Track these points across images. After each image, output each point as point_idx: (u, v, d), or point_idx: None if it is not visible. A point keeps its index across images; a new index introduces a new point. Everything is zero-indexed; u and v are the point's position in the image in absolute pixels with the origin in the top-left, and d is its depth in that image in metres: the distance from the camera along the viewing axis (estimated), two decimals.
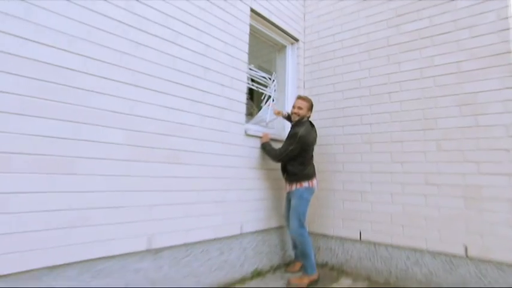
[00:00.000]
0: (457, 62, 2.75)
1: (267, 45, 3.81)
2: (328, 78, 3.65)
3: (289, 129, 3.15)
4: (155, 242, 2.19)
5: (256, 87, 3.51)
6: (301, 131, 2.86)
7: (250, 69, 3.44)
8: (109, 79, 1.99)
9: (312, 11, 3.94)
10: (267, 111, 3.68)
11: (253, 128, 3.21)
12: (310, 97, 3.16)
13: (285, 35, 3.71)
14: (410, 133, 2.95)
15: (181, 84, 2.43)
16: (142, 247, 2.13)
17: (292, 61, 3.88)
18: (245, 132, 2.97)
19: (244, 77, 3.03)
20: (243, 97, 3.00)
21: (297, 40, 3.88)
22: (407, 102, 3.01)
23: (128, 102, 2.08)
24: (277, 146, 3.08)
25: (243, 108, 2.98)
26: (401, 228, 2.89)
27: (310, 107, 3.09)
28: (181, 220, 2.38)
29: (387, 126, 3.11)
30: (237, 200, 2.85)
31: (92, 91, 1.91)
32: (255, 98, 4.12)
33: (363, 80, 3.35)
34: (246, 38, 3.08)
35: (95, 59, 1.94)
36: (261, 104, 3.73)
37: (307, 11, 4.00)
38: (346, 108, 3.45)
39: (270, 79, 3.76)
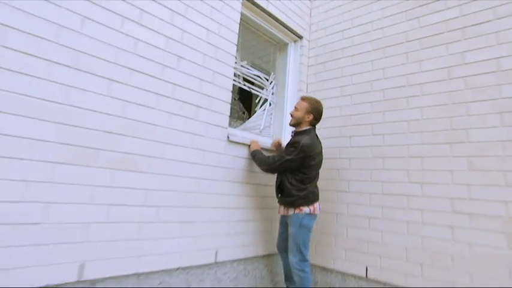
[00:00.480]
0: (496, 58, 2.17)
1: (264, 41, 3.33)
2: (334, 80, 3.12)
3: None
4: (89, 271, 1.68)
5: (249, 87, 3.02)
6: (305, 139, 2.31)
7: (242, 66, 2.97)
8: (36, 57, 1.55)
9: (319, 5, 3.46)
10: (262, 116, 3.17)
11: (239, 134, 2.69)
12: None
13: (287, 30, 3.24)
14: (434, 147, 2.35)
15: (144, 73, 1.97)
16: (71, 278, 1.62)
17: (294, 61, 3.38)
18: (227, 137, 2.46)
19: (231, 73, 2.55)
20: (228, 96, 2.51)
21: (300, 37, 3.39)
22: (430, 109, 2.43)
23: (62, 88, 1.63)
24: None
25: (226, 109, 2.49)
26: (420, 267, 2.26)
27: (312, 110, 2.50)
28: (132, 243, 1.87)
29: (404, 138, 2.53)
30: (211, 221, 2.31)
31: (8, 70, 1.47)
32: (247, 101, 3.60)
33: (376, 82, 2.80)
34: (235, 27, 2.61)
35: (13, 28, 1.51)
36: (256, 109, 3.23)
37: (313, 5, 3.52)
38: (354, 116, 2.89)
39: (267, 80, 3.26)
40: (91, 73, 1.74)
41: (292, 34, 3.32)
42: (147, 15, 2.00)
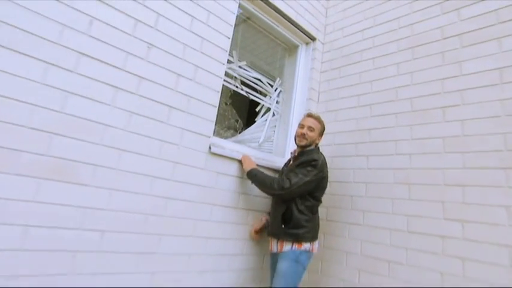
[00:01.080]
0: None
1: (270, 42, 2.89)
2: (351, 88, 2.59)
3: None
4: None
5: (248, 92, 2.56)
6: (322, 158, 2.03)
7: (240, 67, 2.53)
8: None
9: (336, 3, 3.00)
10: (262, 127, 2.69)
11: (228, 146, 2.21)
12: (323, 115, 2.18)
13: (297, 30, 2.79)
14: (481, 173, 1.74)
15: (98, 59, 1.57)
16: None
17: (304, 65, 2.90)
18: (209, 148, 1.99)
19: (221, 71, 2.11)
20: (214, 98, 2.05)
21: (313, 39, 2.93)
22: (474, 122, 1.84)
23: None
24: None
25: (211, 114, 2.03)
26: None
27: (322, 132, 2.16)
28: (61, 279, 1.40)
29: (438, 160, 1.93)
30: (180, 253, 1.80)
31: None
32: (243, 108, 3.11)
33: (402, 90, 2.25)
34: (230, 18, 2.20)
35: None
36: (256, 119, 2.75)
37: (330, 4, 3.07)
38: (374, 130, 2.33)
39: (271, 86, 2.80)
40: (22, 53, 1.35)
41: (303, 35, 2.86)
42: None
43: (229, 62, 2.41)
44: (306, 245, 1.89)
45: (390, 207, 2.09)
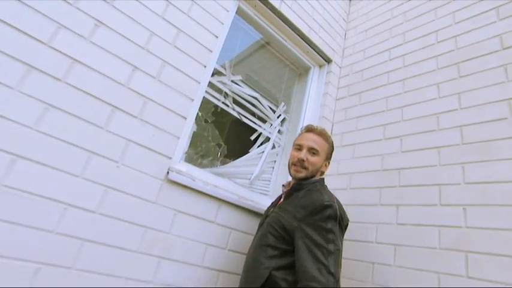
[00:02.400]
0: None
1: (275, 60, 2.43)
2: (375, 116, 2.00)
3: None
4: None
5: (239, 113, 2.02)
6: (335, 199, 1.31)
7: (233, 81, 2.03)
8: None
9: (357, 25, 2.57)
10: (257, 160, 2.09)
11: (201, 176, 1.58)
12: (337, 151, 1.56)
13: (310, 48, 2.33)
14: None
15: (7, 23, 1.10)
16: None
17: (317, 90, 2.38)
18: (167, 174, 1.40)
19: (199, 74, 1.59)
20: (186, 107, 1.51)
21: (328, 61, 2.44)
22: None
23: None
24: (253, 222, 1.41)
25: (177, 128, 1.47)
26: None
27: (331, 154, 1.50)
28: None
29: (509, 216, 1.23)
30: None
31: None
32: (232, 132, 2.51)
33: (447, 116, 1.63)
34: (222, 15, 1.75)
35: None
36: (249, 150, 2.17)
37: (350, 26, 2.64)
38: (406, 171, 1.67)
39: (273, 111, 2.26)
40: None
41: (317, 55, 2.39)
42: None
43: (218, 74, 1.93)
44: None
45: (436, 281, 1.34)
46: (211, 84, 1.88)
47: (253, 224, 1.68)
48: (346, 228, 1.32)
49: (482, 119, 1.49)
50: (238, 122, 2.04)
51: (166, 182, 1.39)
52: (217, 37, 1.70)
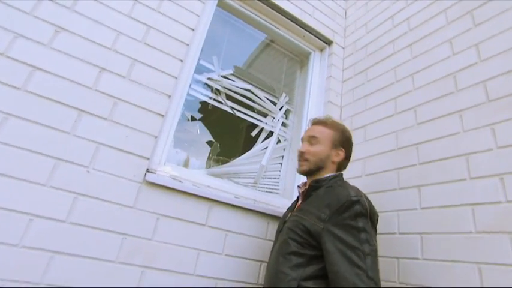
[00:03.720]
0: None
1: (271, 51, 2.28)
2: (383, 91, 1.75)
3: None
4: None
5: (232, 108, 1.88)
6: (361, 194, 1.10)
7: (224, 77, 1.91)
8: None
9: (356, 0, 2.35)
10: (261, 157, 1.93)
11: (191, 177, 1.46)
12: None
13: (306, 33, 2.16)
14: None
15: None
16: None
17: (319, 75, 2.18)
18: (144, 176, 1.29)
19: (175, 69, 1.49)
20: (162, 105, 1.42)
21: (329, 43, 2.24)
22: None
23: None
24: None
25: (153, 126, 1.37)
26: None
27: (344, 141, 1.29)
28: None
29: None
30: None
31: None
32: (231, 130, 2.34)
33: (465, 73, 1.36)
34: (196, 6, 1.66)
35: None
36: (253, 145, 2.01)
37: (349, 4, 2.42)
38: (425, 145, 1.41)
39: (273, 103, 2.10)
40: None
41: (316, 39, 2.21)
42: None
43: (208, 71, 1.84)
44: None
45: (477, 281, 1.05)
46: (202, 83, 1.79)
47: (256, 226, 1.52)
48: (376, 224, 1.13)
49: (509, 67, 1.20)
50: (237, 120, 1.91)
51: (144, 184, 1.29)
52: (193, 30, 1.61)
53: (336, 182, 1.20)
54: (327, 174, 1.24)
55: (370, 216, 1.05)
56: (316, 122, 1.34)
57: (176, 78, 1.49)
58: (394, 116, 1.62)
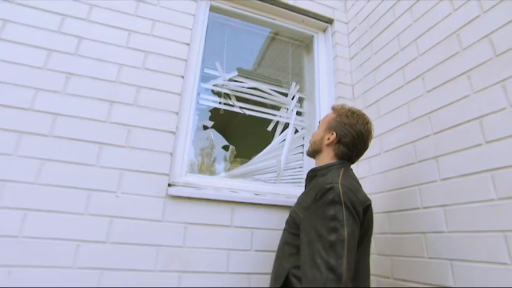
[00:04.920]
0: None
1: (273, 42, 2.27)
2: (390, 62, 1.67)
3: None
4: None
5: (241, 108, 1.93)
6: (339, 180, 1.03)
7: (230, 80, 1.97)
8: None
9: None
10: (280, 150, 1.97)
11: (210, 183, 1.57)
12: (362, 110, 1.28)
13: (303, 16, 2.12)
14: None
15: None
16: None
17: (326, 57, 2.13)
18: (167, 191, 1.42)
19: (177, 86, 1.59)
20: (170, 123, 1.52)
21: (330, 22, 2.18)
22: None
23: None
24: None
25: (166, 144, 1.48)
26: None
27: (335, 125, 1.25)
28: None
29: None
30: None
31: None
32: (243, 130, 2.36)
33: (468, 29, 1.26)
34: (187, 20, 1.72)
35: None
36: (271, 141, 2.05)
37: None
38: (437, 113, 1.34)
39: (285, 95, 2.11)
40: None
41: (315, 20, 2.16)
42: None
43: (211, 77, 1.91)
44: None
45: (504, 250, 1.01)
46: (210, 91, 1.88)
47: (279, 219, 1.57)
48: (365, 212, 1.05)
49: None
50: (251, 120, 1.97)
51: (168, 198, 1.42)
52: (188, 44, 1.68)
53: (330, 170, 1.16)
54: (325, 160, 1.24)
55: (351, 205, 0.98)
56: (331, 108, 1.36)
57: (180, 94, 1.58)
58: (404, 87, 1.55)
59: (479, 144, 1.15)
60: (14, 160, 1.25)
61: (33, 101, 1.34)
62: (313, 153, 1.31)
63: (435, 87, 1.36)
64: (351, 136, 1.20)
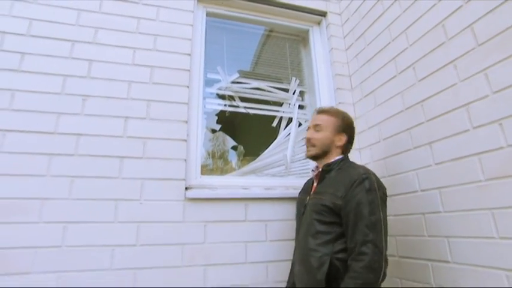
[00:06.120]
0: None
1: (268, 40, 2.35)
2: (383, 52, 1.74)
3: None
4: None
5: (245, 107, 2.04)
6: (370, 171, 1.25)
7: (233, 82, 2.07)
8: None
9: None
10: (286, 144, 2.08)
11: (222, 182, 1.71)
12: (361, 103, 1.50)
13: (296, 12, 2.18)
14: None
15: (23, 131, 1.43)
16: None
17: (322, 50, 2.20)
18: (185, 194, 1.56)
19: (184, 96, 1.70)
20: (181, 131, 1.65)
21: (324, 14, 2.23)
22: None
23: None
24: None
25: (180, 152, 1.62)
26: None
27: (346, 128, 1.42)
28: None
29: None
30: None
31: None
32: (249, 129, 2.47)
33: (452, 19, 1.33)
34: (186, 31, 1.82)
35: None
36: (277, 136, 2.17)
37: None
38: (428, 101, 1.42)
39: (286, 90, 2.20)
40: None
41: (308, 14, 2.22)
42: None
43: (214, 81, 2.02)
44: None
45: (492, 226, 1.12)
46: (213, 95, 1.99)
47: (290, 210, 1.69)
48: (386, 197, 1.24)
49: (494, 4, 1.15)
50: (256, 118, 2.08)
51: (187, 201, 1.56)
52: (189, 55, 1.78)
53: (345, 164, 1.34)
54: (333, 157, 1.37)
55: (382, 191, 1.20)
56: (320, 112, 1.47)
57: (187, 103, 1.70)
58: (397, 77, 1.63)
59: (467, 130, 1.24)
60: (48, 180, 1.41)
61: (57, 124, 1.48)
62: (322, 154, 1.40)
63: (425, 77, 1.44)
64: (353, 135, 1.41)
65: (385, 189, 1.25)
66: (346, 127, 1.41)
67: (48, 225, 1.37)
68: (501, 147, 1.11)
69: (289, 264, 1.57)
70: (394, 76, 1.64)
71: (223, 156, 2.19)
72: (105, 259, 1.39)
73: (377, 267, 1.05)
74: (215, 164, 2.04)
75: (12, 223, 1.33)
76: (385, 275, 1.08)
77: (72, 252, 1.36)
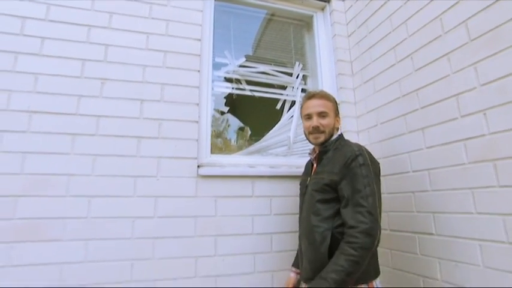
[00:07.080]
0: None
1: (273, 24, 2.42)
2: (383, 41, 1.84)
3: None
4: None
5: (252, 90, 2.15)
6: (363, 148, 1.35)
7: (241, 66, 2.16)
8: None
9: None
10: (289, 126, 2.21)
11: (231, 161, 1.84)
12: (361, 88, 1.55)
13: None
14: None
15: (48, 112, 1.55)
16: None
17: (325, 36, 2.28)
18: (197, 171, 1.70)
19: (195, 80, 1.81)
20: (193, 113, 1.77)
21: (327, 0, 2.29)
22: None
23: None
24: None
25: (192, 132, 1.74)
26: None
27: (337, 108, 1.54)
28: None
29: None
30: None
31: None
32: (254, 112, 2.59)
33: (449, 14, 1.42)
34: (196, 17, 1.90)
35: None
36: (281, 118, 2.29)
37: None
38: (423, 90, 1.54)
39: (289, 74, 2.30)
40: None
41: (314, 0, 2.27)
42: None
43: (222, 65, 2.11)
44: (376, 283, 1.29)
45: (471, 203, 1.28)
46: (222, 78, 2.09)
47: (293, 187, 1.83)
48: (379, 171, 1.36)
49: (487, 2, 1.25)
50: (260, 100, 2.19)
51: (199, 177, 1.71)
52: (200, 40, 1.87)
53: (340, 143, 1.43)
54: (332, 138, 1.48)
55: (375, 166, 1.32)
56: (320, 97, 1.51)
57: (198, 87, 1.81)
58: (396, 65, 1.74)
59: (456, 118, 1.37)
60: (72, 158, 1.54)
61: (78, 106, 1.59)
62: (329, 138, 1.47)
63: (422, 67, 1.55)
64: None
65: (379, 164, 1.36)
66: (337, 108, 1.53)
67: (74, 199, 1.51)
68: (483, 135, 1.25)
69: (290, 235, 1.76)
70: (393, 64, 1.75)
71: (228, 135, 2.32)
72: (126, 229, 1.55)
73: (374, 233, 1.17)
74: (224, 143, 2.17)
75: (43, 196, 1.47)
76: (379, 241, 1.21)
77: (97, 223, 1.51)
